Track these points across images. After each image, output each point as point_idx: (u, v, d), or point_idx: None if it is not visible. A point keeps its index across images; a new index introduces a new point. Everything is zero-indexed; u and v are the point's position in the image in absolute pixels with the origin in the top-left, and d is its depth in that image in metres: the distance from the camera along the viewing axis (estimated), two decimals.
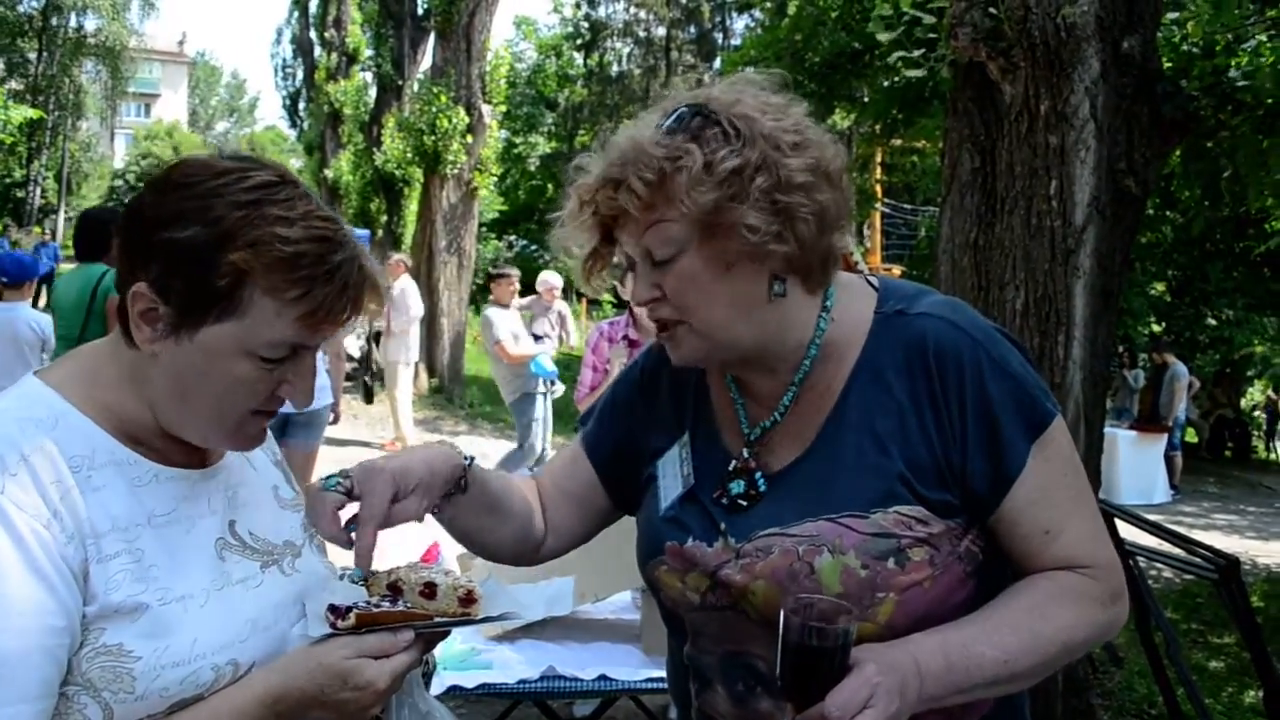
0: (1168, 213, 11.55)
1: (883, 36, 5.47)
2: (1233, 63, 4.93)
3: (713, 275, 1.36)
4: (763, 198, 1.32)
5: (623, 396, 1.69)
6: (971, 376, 1.37)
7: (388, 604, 1.32)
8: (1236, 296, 15.73)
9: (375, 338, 12.16)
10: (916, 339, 1.41)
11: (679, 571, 1.47)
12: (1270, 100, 4.84)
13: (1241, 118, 4.78)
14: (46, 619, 1.15)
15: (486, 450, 11.84)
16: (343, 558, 1.43)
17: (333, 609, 1.30)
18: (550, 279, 10.38)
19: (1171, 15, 5.26)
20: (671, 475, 1.54)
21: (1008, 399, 1.37)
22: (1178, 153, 5.54)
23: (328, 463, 8.11)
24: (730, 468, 1.49)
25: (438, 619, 1.34)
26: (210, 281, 1.22)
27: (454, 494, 1.49)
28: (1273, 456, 21.06)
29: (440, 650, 2.70)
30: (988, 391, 1.37)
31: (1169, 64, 4.90)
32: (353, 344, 13.35)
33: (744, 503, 1.45)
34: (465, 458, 1.49)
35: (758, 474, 1.46)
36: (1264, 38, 5.16)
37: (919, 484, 1.36)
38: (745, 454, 1.48)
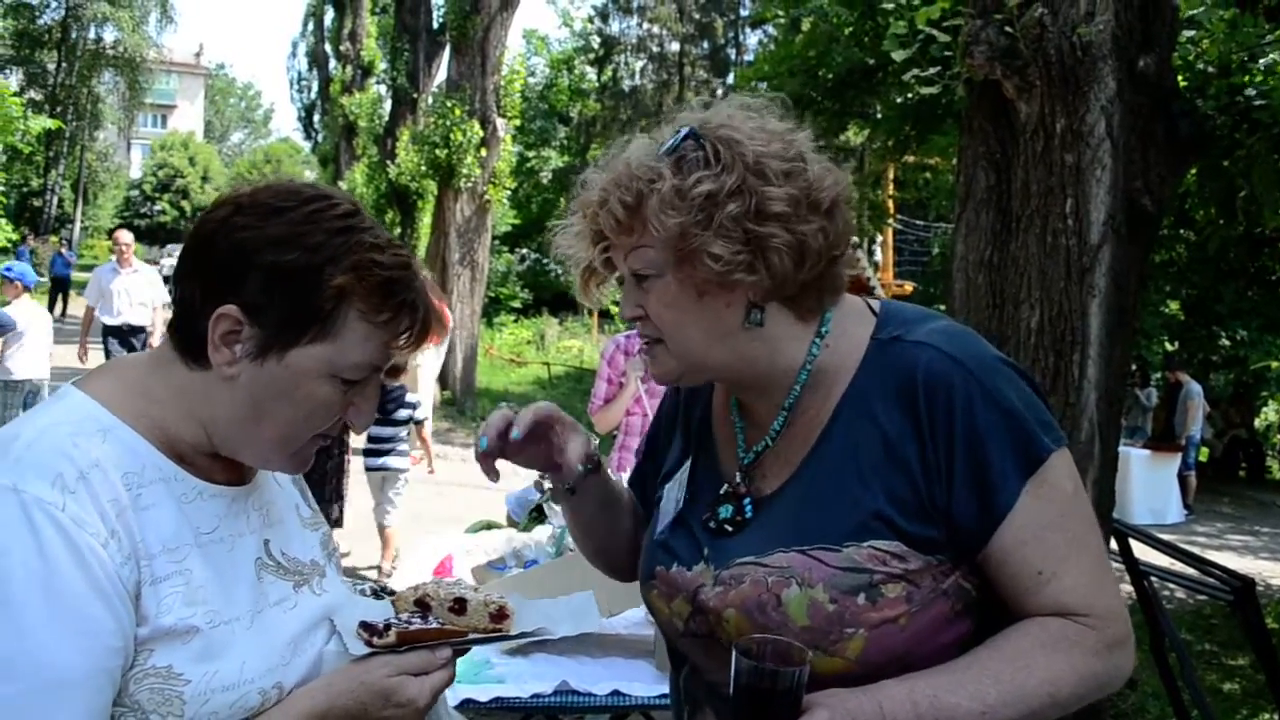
0: (1181, 231, 11.52)
1: (897, 55, 5.48)
2: (1248, 81, 4.92)
3: (687, 300, 1.36)
4: (733, 226, 1.31)
5: (658, 426, 1.72)
6: (961, 409, 1.31)
7: (418, 620, 1.33)
8: (1251, 317, 15.65)
9: None
10: (908, 368, 1.36)
11: (666, 597, 1.48)
12: None
13: (1257, 136, 4.77)
14: (107, 640, 1.14)
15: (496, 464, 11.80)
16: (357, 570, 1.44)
17: (366, 626, 1.32)
18: None
19: (1187, 33, 5.26)
20: (670, 499, 1.55)
21: (999, 434, 1.31)
22: (1193, 171, 5.53)
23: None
24: (722, 491, 1.48)
25: (472, 635, 1.35)
26: (313, 303, 1.24)
27: (588, 472, 1.56)
28: None
29: None
30: (977, 425, 1.31)
31: (1185, 83, 4.89)
32: None
33: (730, 528, 1.44)
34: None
35: (747, 500, 1.45)
36: (1277, 56, 5.15)
37: (900, 518, 1.32)
38: (738, 478, 1.47)
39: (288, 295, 1.23)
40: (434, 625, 1.33)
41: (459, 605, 1.35)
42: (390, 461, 6.74)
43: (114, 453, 1.22)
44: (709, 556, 1.43)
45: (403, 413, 6.74)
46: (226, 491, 1.33)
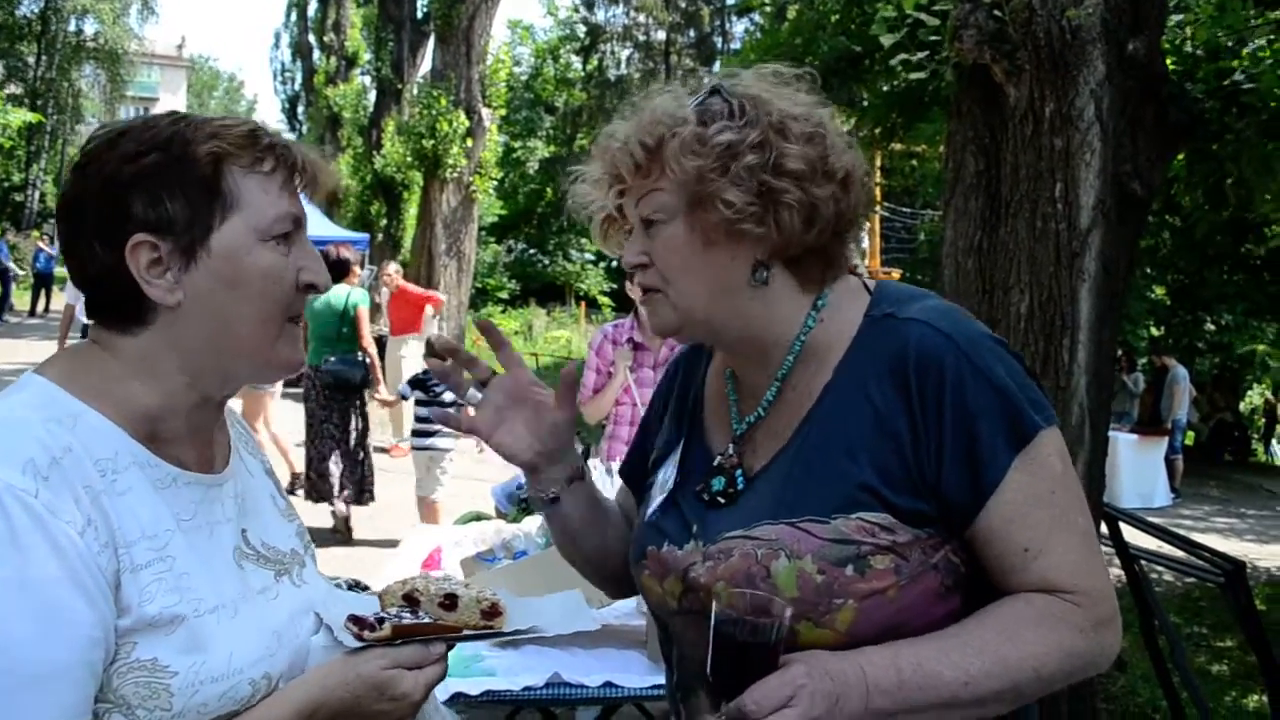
0: (1167, 217, 11.54)
1: (886, 39, 5.45)
2: (1237, 65, 4.91)
3: (694, 248, 1.37)
4: (748, 176, 1.33)
5: (648, 424, 1.72)
6: (952, 385, 1.32)
7: (409, 615, 1.31)
8: (1235, 302, 15.72)
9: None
10: (899, 344, 1.37)
11: (658, 576, 1.47)
12: (1275, 104, 4.82)
13: (1246, 121, 4.76)
14: (87, 631, 1.10)
15: (485, 454, 11.80)
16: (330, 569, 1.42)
17: (355, 620, 1.29)
18: None
19: (1176, 17, 5.24)
20: (660, 481, 1.55)
21: (989, 410, 1.32)
22: (1181, 156, 5.52)
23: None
24: (714, 463, 1.48)
25: (466, 632, 1.34)
26: (198, 182, 1.23)
27: (574, 479, 1.57)
28: (1271, 459, 21.06)
29: None
30: (967, 401, 1.32)
31: (1174, 67, 4.88)
32: None
33: (722, 500, 1.44)
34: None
35: (738, 471, 1.45)
36: (1263, 41, 5.14)
37: (888, 491, 1.32)
38: (730, 450, 1.47)
39: (174, 190, 1.22)
40: (426, 620, 1.31)
41: (449, 601, 1.34)
42: (438, 442, 7.23)
43: (85, 438, 1.18)
44: (698, 533, 1.43)
45: (448, 395, 6.89)
46: (202, 479, 1.30)
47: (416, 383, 7.38)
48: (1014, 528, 1.31)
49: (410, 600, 1.34)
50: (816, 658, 1.25)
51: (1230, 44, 5.14)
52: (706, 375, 1.61)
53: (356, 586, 2.18)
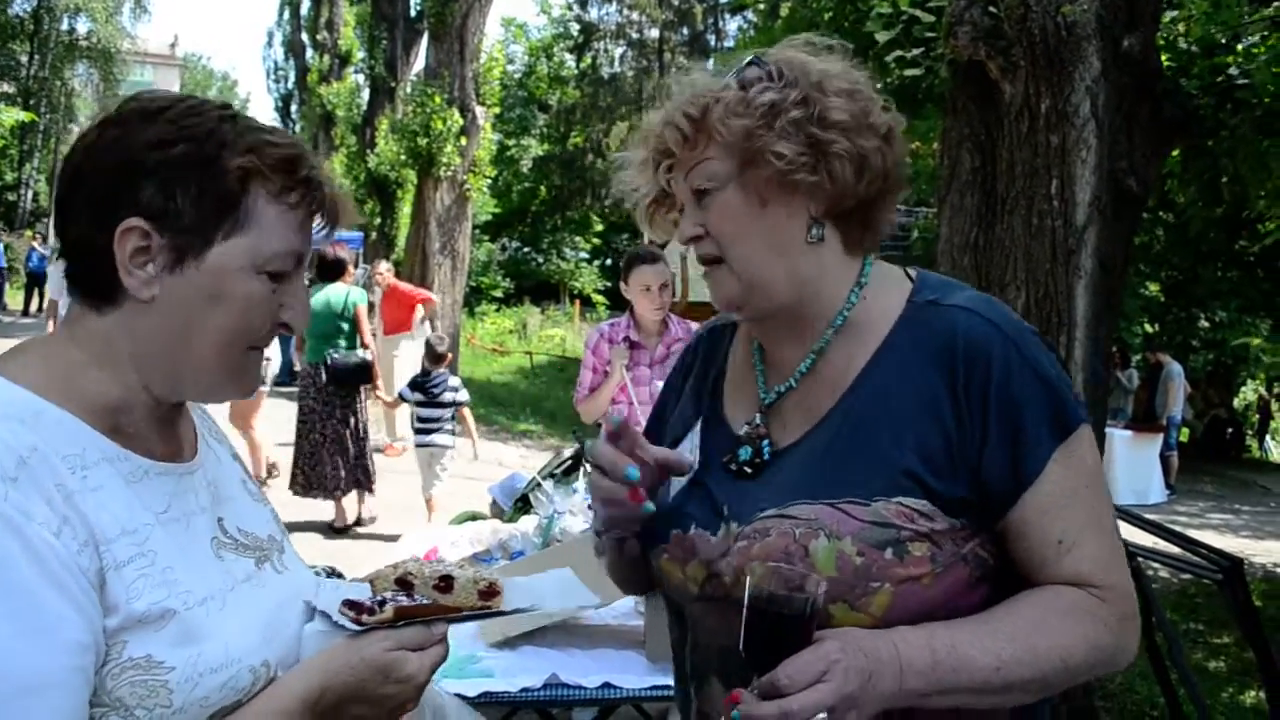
0: (1161, 214, 11.55)
1: (881, 36, 5.45)
2: (1231, 61, 4.91)
3: (750, 210, 1.38)
4: (795, 129, 1.34)
5: (667, 402, 1.70)
6: (999, 372, 1.33)
7: (404, 598, 1.28)
8: (1230, 298, 15.74)
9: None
10: (947, 329, 1.37)
11: (679, 561, 1.45)
12: (1269, 100, 4.82)
13: (1241, 117, 4.76)
14: (73, 635, 1.05)
15: (478, 453, 11.80)
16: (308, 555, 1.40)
17: (352, 604, 1.27)
18: None
19: (1171, 14, 5.24)
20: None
21: (1035, 399, 1.33)
22: (1176, 153, 5.52)
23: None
24: (740, 433, 1.47)
25: (467, 612, 1.31)
26: (219, 192, 1.18)
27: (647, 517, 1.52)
28: (1265, 455, 21.11)
29: None
30: (1014, 390, 1.32)
31: (1169, 63, 4.88)
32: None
33: (749, 470, 1.43)
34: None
35: (765, 442, 1.44)
36: (1256, 38, 5.14)
37: (930, 476, 1.32)
38: (758, 420, 1.47)
39: (191, 190, 1.17)
40: (425, 602, 1.29)
41: (445, 583, 1.31)
42: (438, 439, 7.55)
43: (50, 436, 1.12)
44: (729, 515, 1.41)
45: (448, 395, 7.53)
46: (173, 469, 1.26)
47: (416, 385, 7.59)
48: (1049, 520, 1.32)
49: (404, 584, 1.31)
50: (851, 634, 1.25)
51: (1224, 40, 5.14)
52: (729, 352, 1.60)
53: (334, 575, 2.15)
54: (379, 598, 1.27)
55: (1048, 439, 1.32)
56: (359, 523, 8.15)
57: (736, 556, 1.37)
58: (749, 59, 1.42)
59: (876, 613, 1.29)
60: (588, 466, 3.31)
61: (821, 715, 1.18)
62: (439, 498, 7.68)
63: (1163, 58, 4.71)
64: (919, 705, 1.27)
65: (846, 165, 1.36)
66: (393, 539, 7.74)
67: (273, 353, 8.57)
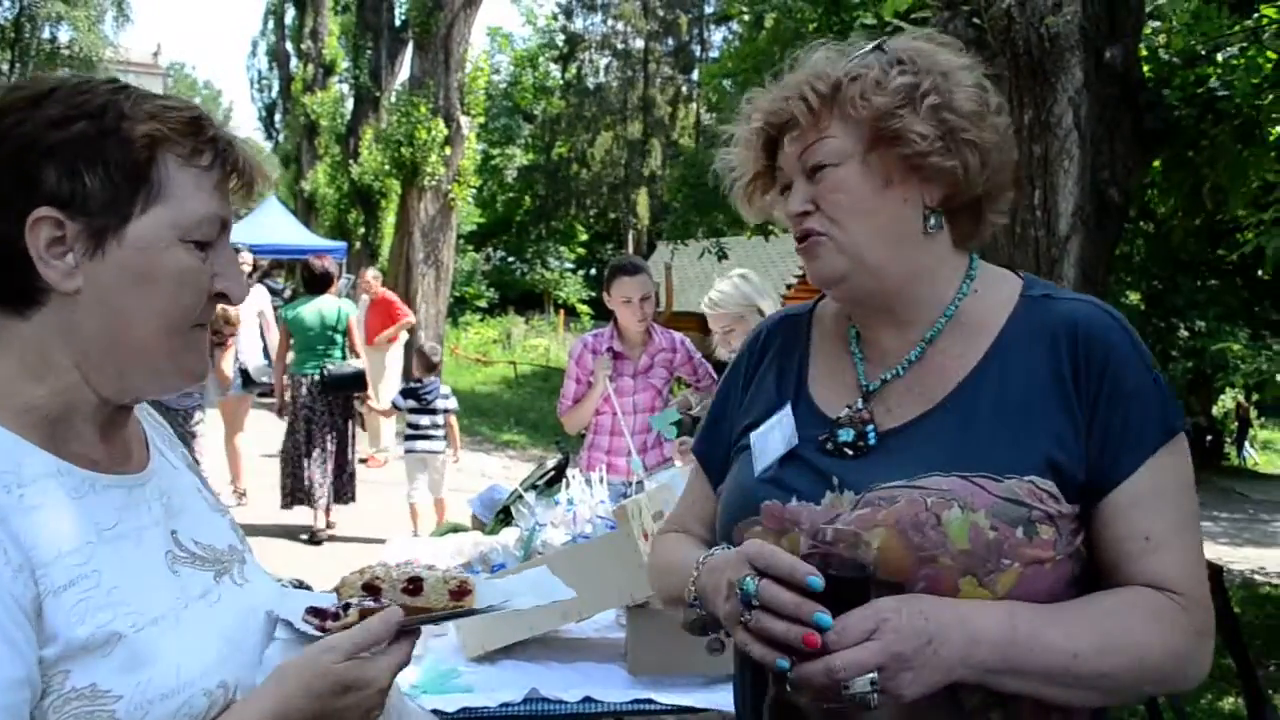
0: (1141, 224, 11.62)
1: (795, 56, 5.44)
2: (1212, 72, 4.94)
3: (871, 189, 1.38)
4: (931, 114, 1.35)
5: (729, 395, 1.67)
6: (1117, 361, 1.34)
7: (371, 603, 1.23)
8: (1209, 307, 15.82)
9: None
10: (1066, 318, 1.38)
11: (774, 533, 1.39)
12: (1248, 110, 4.85)
13: (1221, 127, 4.79)
14: (6, 671, 0.98)
15: (461, 464, 11.75)
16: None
17: (316, 612, 1.22)
18: None
19: (1152, 25, 5.27)
20: (769, 440, 1.49)
21: (1146, 395, 1.33)
22: (1157, 163, 5.55)
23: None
24: (839, 416, 1.45)
25: (438, 613, 1.26)
26: (128, 163, 1.11)
27: None
28: (1244, 463, 21.24)
29: (419, 673, 2.64)
30: (1129, 381, 1.33)
31: (1149, 74, 4.90)
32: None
33: (850, 451, 1.41)
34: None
35: (869, 426, 1.42)
36: (1235, 49, 5.17)
37: (1062, 457, 1.31)
38: (860, 404, 1.45)
39: (97, 168, 1.10)
40: (392, 606, 1.23)
41: (414, 585, 1.25)
42: (429, 445, 7.70)
43: None
44: (841, 484, 1.37)
45: (440, 403, 7.71)
46: (121, 481, 1.19)
47: (410, 392, 7.72)
48: (1140, 513, 1.31)
49: (371, 589, 1.25)
50: (916, 598, 1.23)
51: (1204, 51, 5.17)
52: (810, 339, 1.59)
53: (300, 586, 2.08)
54: (344, 603, 1.22)
55: (1152, 435, 1.32)
56: (321, 530, 8.11)
57: (856, 522, 1.33)
58: (873, 45, 1.42)
59: (1001, 591, 1.27)
60: (570, 478, 3.29)
61: (872, 675, 1.16)
62: (421, 508, 7.78)
63: (1144, 69, 4.73)
64: (989, 684, 1.24)
65: (975, 154, 1.37)
66: (376, 542, 7.81)
67: (245, 356, 8.53)
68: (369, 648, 1.18)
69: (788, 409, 1.51)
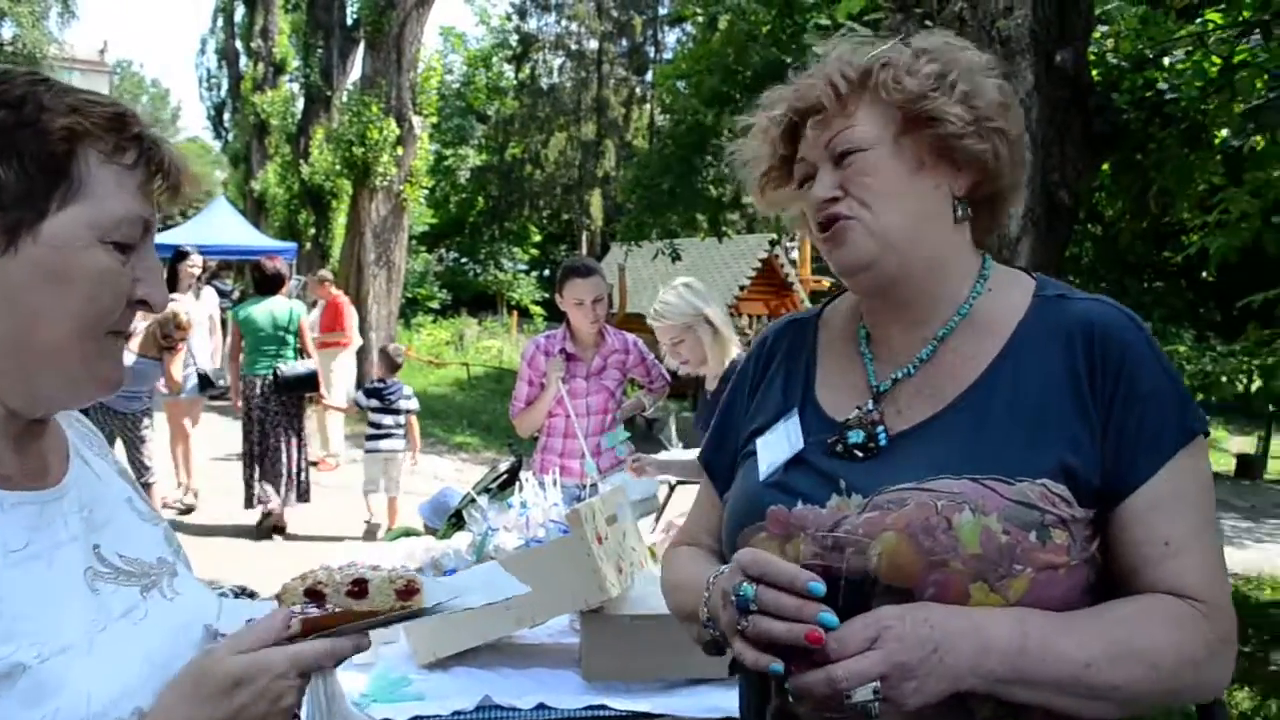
0: (1089, 226, 11.76)
1: (819, 48, 5.45)
2: (1160, 77, 5.00)
3: (902, 173, 1.38)
4: (963, 99, 1.36)
5: (734, 403, 1.65)
6: (1134, 361, 1.32)
7: (314, 610, 1.17)
8: (1155, 309, 16.08)
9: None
10: (1081, 317, 1.36)
11: (779, 539, 1.37)
12: (1196, 114, 4.91)
13: (1169, 131, 4.85)
14: None
15: (414, 467, 11.65)
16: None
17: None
18: None
19: (1101, 29, 5.33)
20: (775, 445, 1.47)
21: (1165, 396, 1.31)
22: (1106, 166, 5.61)
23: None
24: (848, 418, 1.42)
25: (386, 616, 1.20)
26: (45, 156, 1.06)
27: None
28: None
29: (370, 681, 2.59)
30: (1146, 381, 1.31)
31: (1098, 78, 4.95)
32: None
33: (860, 454, 1.38)
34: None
35: (879, 428, 1.39)
36: (1181, 53, 5.24)
37: (1076, 461, 1.29)
38: (870, 405, 1.42)
39: (12, 160, 1.05)
40: (337, 611, 1.18)
41: (359, 587, 1.20)
42: (391, 444, 7.99)
43: None
44: (848, 487, 1.35)
45: (403, 404, 8.00)
46: (34, 497, 1.12)
47: (373, 392, 7.99)
48: (1160, 517, 1.28)
49: (314, 595, 1.19)
50: (920, 606, 1.21)
51: (1151, 55, 5.23)
52: (817, 342, 1.58)
53: (244, 593, 2.00)
54: (285, 610, 1.17)
55: (1170, 438, 1.30)
56: (274, 528, 8.19)
57: (864, 525, 1.30)
58: (898, 39, 1.43)
59: (1013, 597, 1.24)
60: (523, 481, 3.24)
61: (874, 684, 1.14)
62: (377, 505, 8.04)
63: (1093, 73, 4.78)
64: (999, 693, 1.22)
65: (1003, 143, 1.38)
66: (333, 540, 8.01)
67: (201, 359, 8.50)
68: (259, 646, 1.10)
69: (794, 413, 1.49)
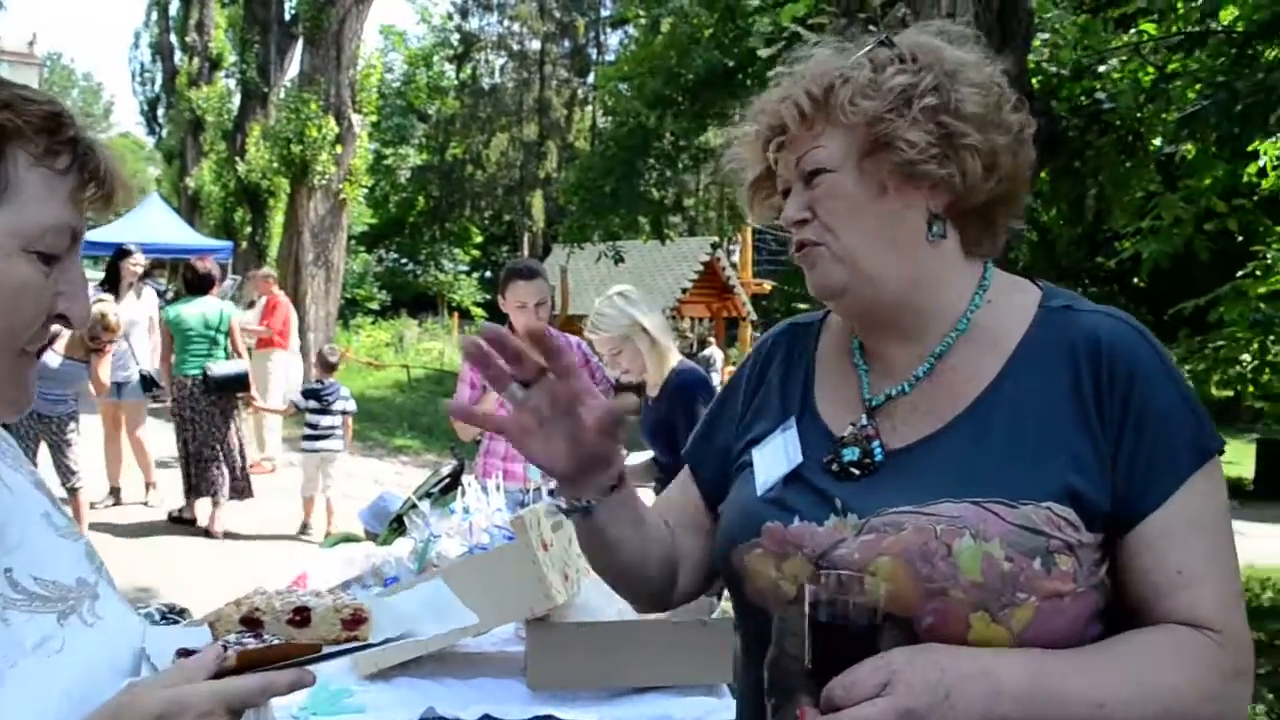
0: (1027, 231, 11.97)
1: (763, 51, 5.48)
2: (1098, 85, 5.09)
3: (865, 197, 1.30)
4: (927, 118, 1.27)
5: (727, 402, 1.59)
6: (1144, 379, 1.24)
7: (251, 640, 1.08)
8: None
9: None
10: (1089, 332, 1.28)
11: (775, 557, 1.32)
12: (1132, 122, 5.00)
13: (1107, 138, 4.93)
14: None
15: (353, 470, 11.50)
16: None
17: (187, 654, 1.07)
18: None
19: (1041, 37, 5.41)
20: (772, 457, 1.41)
21: (1179, 415, 1.24)
22: (1044, 173, 5.69)
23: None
24: (844, 434, 1.36)
25: (330, 649, 1.13)
26: None
27: (614, 488, 1.35)
28: None
29: (309, 694, 2.52)
30: (1158, 400, 1.24)
31: (1037, 85, 5.02)
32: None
33: (856, 471, 1.32)
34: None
35: (875, 444, 1.33)
36: (1116, 62, 5.34)
37: (1082, 483, 1.22)
38: (865, 420, 1.36)
39: None
40: (276, 643, 1.09)
41: (301, 616, 1.13)
42: (329, 445, 8.05)
43: None
44: (844, 507, 1.29)
45: (339, 404, 8.08)
46: None
47: (311, 393, 8.08)
48: (1172, 544, 1.22)
49: (251, 623, 1.12)
50: (929, 648, 1.15)
51: (1087, 64, 5.32)
52: (816, 350, 1.51)
53: (172, 614, 1.90)
54: (224, 642, 1.08)
55: (1185, 460, 1.23)
56: (206, 528, 8.17)
57: (860, 549, 1.25)
58: (879, 39, 1.33)
59: (1017, 628, 1.18)
60: (466, 486, 3.20)
61: None
62: (317, 504, 8.11)
63: (1033, 81, 4.84)
64: None
65: (977, 160, 1.28)
66: (275, 539, 8.05)
67: (143, 359, 8.40)
68: (185, 681, 1.01)
69: (792, 424, 1.43)
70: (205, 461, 7.90)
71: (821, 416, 1.42)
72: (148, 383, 8.39)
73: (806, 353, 1.51)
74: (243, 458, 8.18)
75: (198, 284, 8.04)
